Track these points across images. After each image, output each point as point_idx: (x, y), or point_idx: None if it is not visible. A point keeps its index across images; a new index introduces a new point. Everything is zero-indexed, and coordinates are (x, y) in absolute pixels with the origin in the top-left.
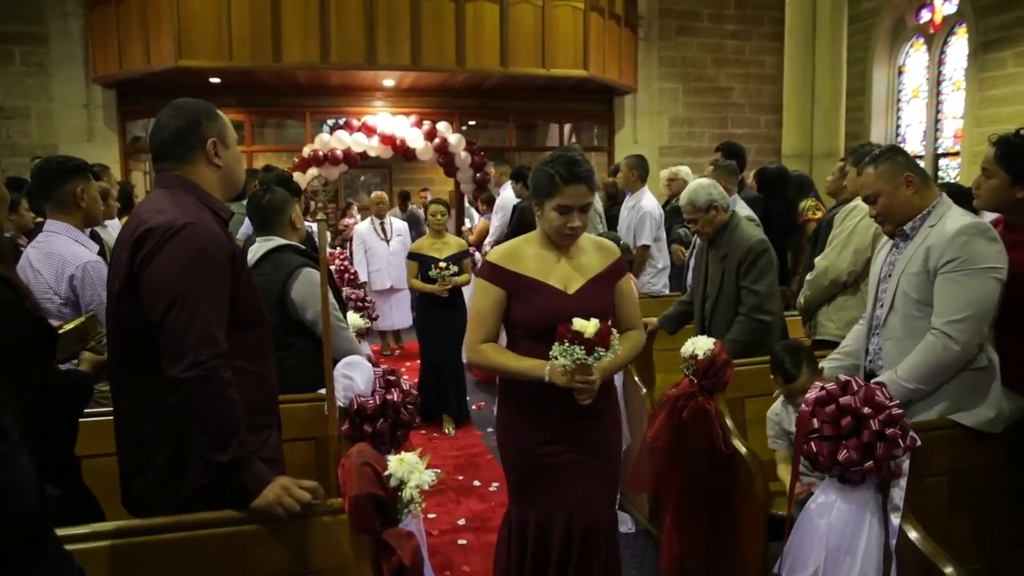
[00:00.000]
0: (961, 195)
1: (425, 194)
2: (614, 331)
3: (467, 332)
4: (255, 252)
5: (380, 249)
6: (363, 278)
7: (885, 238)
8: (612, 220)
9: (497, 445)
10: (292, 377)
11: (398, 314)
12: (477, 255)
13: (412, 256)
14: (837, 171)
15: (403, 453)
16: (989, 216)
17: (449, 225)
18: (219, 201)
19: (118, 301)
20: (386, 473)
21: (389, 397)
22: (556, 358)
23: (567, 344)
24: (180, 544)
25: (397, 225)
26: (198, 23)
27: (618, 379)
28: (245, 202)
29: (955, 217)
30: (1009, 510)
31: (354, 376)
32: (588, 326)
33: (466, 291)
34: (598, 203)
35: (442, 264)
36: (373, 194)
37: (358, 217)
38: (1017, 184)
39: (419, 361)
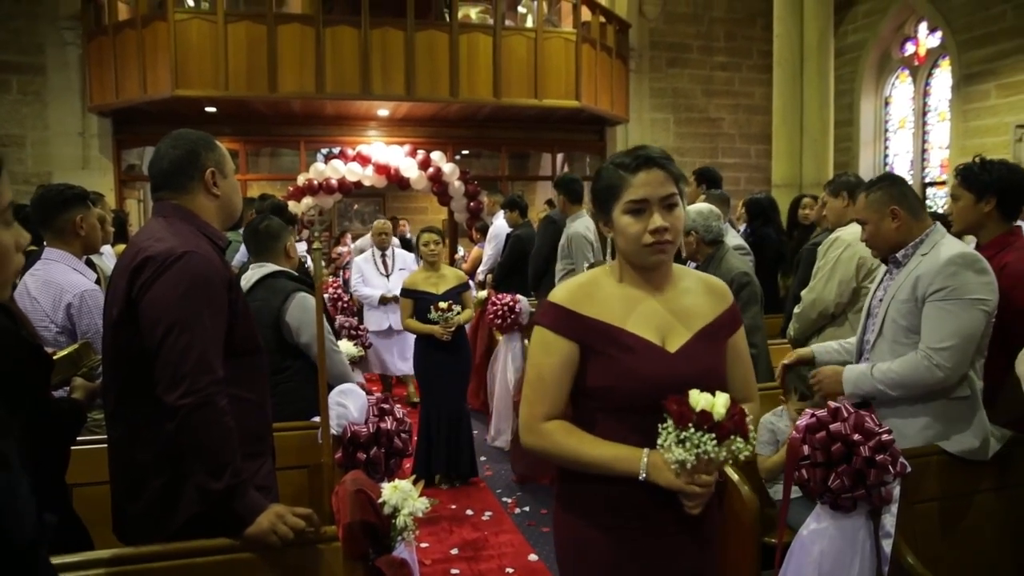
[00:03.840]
0: (947, 225)
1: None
2: (744, 407)
3: (523, 404)
4: (249, 279)
5: (379, 284)
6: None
7: (880, 266)
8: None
9: (559, 568)
10: (286, 401)
11: (401, 359)
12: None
13: (406, 293)
14: (818, 203)
15: (397, 481)
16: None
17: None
18: (216, 230)
19: (115, 328)
20: (380, 500)
21: (383, 425)
22: (668, 449)
23: (692, 430)
24: (174, 572)
25: (402, 258)
26: (195, 53)
27: None
28: (241, 230)
29: (948, 246)
30: (999, 535)
31: (348, 404)
32: (716, 403)
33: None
34: (590, 226)
35: (443, 305)
36: (375, 223)
37: (352, 246)
38: (981, 200)
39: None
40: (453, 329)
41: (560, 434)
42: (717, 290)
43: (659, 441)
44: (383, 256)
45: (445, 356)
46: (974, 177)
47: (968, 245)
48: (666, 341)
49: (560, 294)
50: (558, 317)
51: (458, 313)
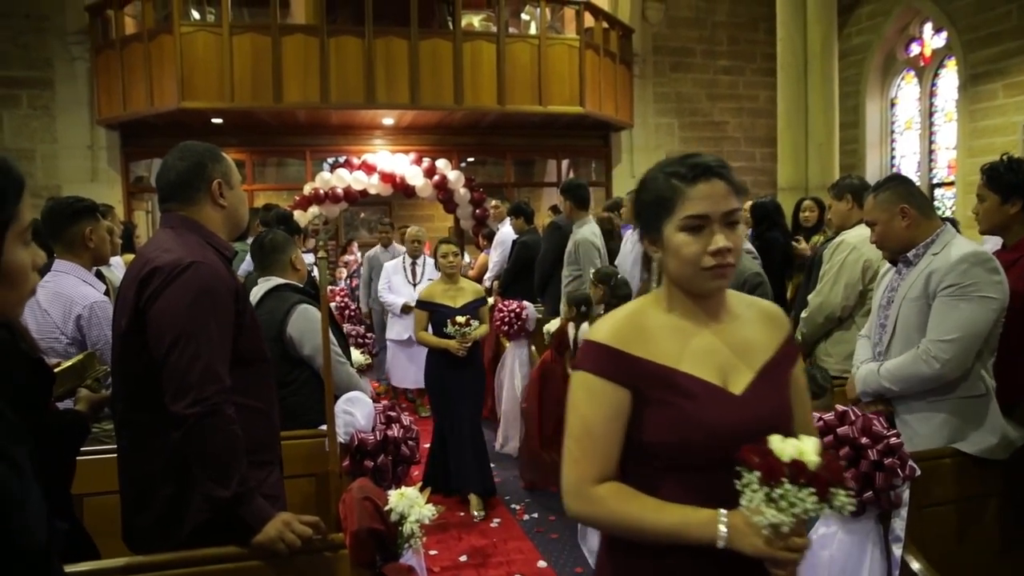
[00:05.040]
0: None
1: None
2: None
3: (568, 465)
4: (256, 293)
5: (405, 293)
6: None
7: (886, 266)
8: (611, 255)
9: None
10: (296, 414)
11: (418, 372)
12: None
13: (422, 305)
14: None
15: (403, 488)
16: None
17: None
18: (223, 240)
19: (123, 338)
20: (387, 508)
21: (390, 433)
22: (757, 510)
23: (786, 486)
24: None
25: (432, 268)
26: (200, 65)
27: None
28: (248, 240)
29: (960, 245)
30: (1010, 538)
31: (355, 412)
32: (805, 450)
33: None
34: (596, 232)
35: (461, 320)
36: (408, 230)
37: (358, 255)
38: (1007, 202)
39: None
40: (469, 345)
41: (616, 500)
42: (775, 317)
43: (743, 502)
44: (413, 264)
45: (459, 372)
46: (1000, 177)
47: (984, 245)
48: (728, 382)
49: (604, 331)
50: (605, 359)
51: (475, 328)
